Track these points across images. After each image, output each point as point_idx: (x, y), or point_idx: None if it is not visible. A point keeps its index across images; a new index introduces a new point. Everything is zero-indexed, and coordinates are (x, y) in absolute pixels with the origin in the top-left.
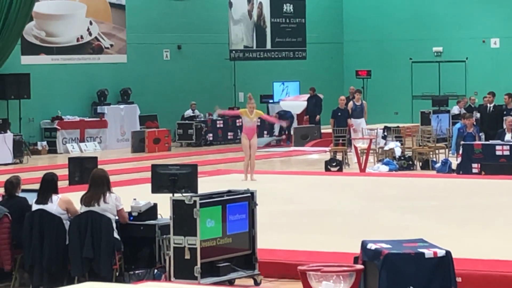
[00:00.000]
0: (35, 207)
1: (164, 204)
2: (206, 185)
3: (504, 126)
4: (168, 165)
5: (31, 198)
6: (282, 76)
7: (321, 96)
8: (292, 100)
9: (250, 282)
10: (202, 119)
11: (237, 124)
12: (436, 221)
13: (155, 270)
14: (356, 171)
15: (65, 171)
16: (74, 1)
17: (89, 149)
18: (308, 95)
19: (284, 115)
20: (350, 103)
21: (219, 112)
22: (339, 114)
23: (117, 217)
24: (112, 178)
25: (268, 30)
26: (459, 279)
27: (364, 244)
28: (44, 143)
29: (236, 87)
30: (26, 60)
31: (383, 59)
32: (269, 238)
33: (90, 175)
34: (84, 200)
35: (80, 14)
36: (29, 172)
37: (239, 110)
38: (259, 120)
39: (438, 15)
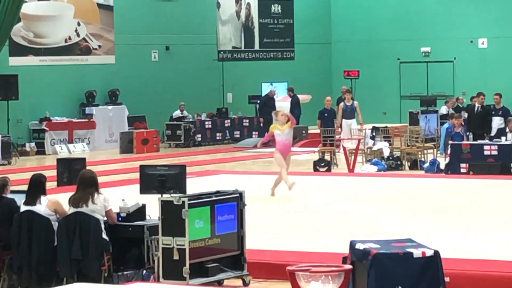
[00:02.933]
0: (23, 208)
1: (152, 205)
2: (194, 185)
3: (493, 126)
4: (156, 166)
5: (20, 199)
6: (270, 77)
7: (305, 96)
8: (281, 101)
9: (239, 282)
10: (191, 119)
11: (226, 125)
12: (424, 221)
13: (144, 271)
14: (344, 171)
15: (53, 172)
16: (62, 2)
17: (77, 150)
18: (287, 96)
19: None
20: (341, 104)
21: (261, 143)
22: (326, 114)
23: (105, 218)
24: (101, 179)
25: (256, 30)
26: (447, 279)
27: (352, 244)
28: (33, 144)
29: (224, 88)
30: (14, 61)
31: (371, 60)
32: (258, 239)
33: (78, 176)
34: (73, 201)
35: (68, 15)
36: (18, 173)
37: (270, 129)
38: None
39: (426, 16)
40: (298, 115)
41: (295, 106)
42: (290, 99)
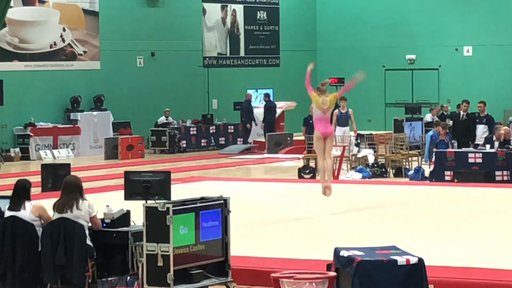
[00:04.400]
0: (7, 213)
1: (137, 211)
2: (179, 192)
3: (477, 134)
4: (141, 172)
5: (4, 205)
6: (256, 83)
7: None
8: (260, 108)
9: None
10: (176, 126)
11: (211, 131)
12: (408, 228)
13: (128, 277)
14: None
15: (38, 178)
16: (47, 7)
17: (62, 155)
18: (264, 103)
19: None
20: (336, 111)
21: (310, 68)
22: (311, 121)
23: (90, 224)
24: (85, 185)
25: (241, 37)
26: (431, 286)
27: (337, 251)
28: (17, 149)
29: (209, 94)
30: None
31: (356, 67)
32: (242, 245)
33: (62, 182)
34: (57, 207)
35: (53, 20)
36: (2, 179)
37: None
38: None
39: (411, 23)
40: (270, 121)
41: (268, 111)
42: (277, 106)
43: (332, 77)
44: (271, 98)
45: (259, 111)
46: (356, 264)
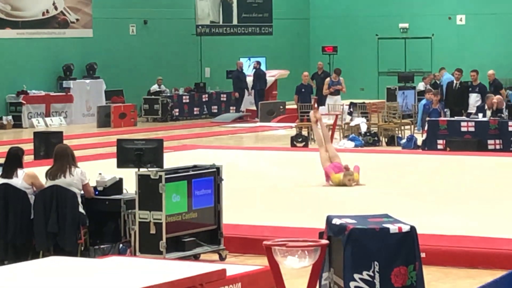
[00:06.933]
0: (0, 181)
1: (129, 179)
2: (171, 160)
3: (470, 102)
4: (133, 140)
5: None
6: (249, 52)
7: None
8: (251, 76)
9: (216, 257)
10: (168, 94)
11: (203, 100)
12: (401, 196)
13: (120, 245)
14: None
15: (30, 146)
16: None
17: (54, 123)
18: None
19: None
20: (327, 79)
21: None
22: (303, 90)
23: (82, 192)
24: (78, 153)
25: (234, 5)
26: (423, 255)
27: (329, 219)
28: (10, 117)
29: (202, 63)
30: None
31: (349, 35)
32: (235, 213)
33: (54, 151)
34: (50, 174)
35: None
36: None
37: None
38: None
39: None
40: (259, 89)
41: (258, 79)
42: (270, 74)
43: (325, 45)
44: (264, 67)
45: (251, 80)
46: (348, 232)
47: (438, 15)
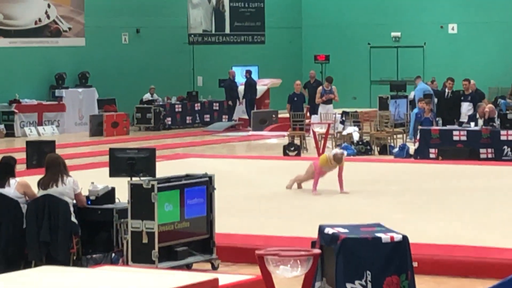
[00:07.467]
0: None
1: (122, 188)
2: (164, 169)
3: (462, 111)
4: (126, 149)
5: None
6: (241, 60)
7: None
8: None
9: (208, 266)
10: (161, 103)
11: (196, 109)
12: (393, 205)
13: (113, 254)
14: (314, 155)
15: (23, 155)
16: None
17: (47, 132)
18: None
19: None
20: (320, 88)
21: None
22: (295, 98)
23: (74, 201)
24: (70, 162)
25: (227, 14)
26: (415, 264)
27: (321, 229)
28: (2, 126)
29: (194, 71)
30: None
31: (341, 44)
32: (227, 223)
33: (45, 160)
34: (42, 184)
35: None
36: None
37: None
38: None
39: (396, 0)
40: (250, 98)
41: (249, 88)
42: (262, 83)
43: (317, 54)
44: (257, 75)
45: (242, 89)
46: (341, 241)
47: (430, 24)
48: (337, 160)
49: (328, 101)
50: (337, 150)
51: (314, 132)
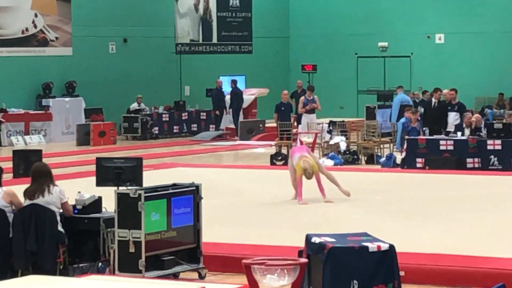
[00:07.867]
0: None
1: (108, 198)
2: (151, 178)
3: (449, 121)
4: (113, 158)
5: None
6: (229, 70)
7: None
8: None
9: (195, 275)
10: (148, 112)
11: (183, 118)
12: (380, 215)
13: (100, 264)
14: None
15: (9, 164)
16: None
17: (33, 142)
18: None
19: None
20: (302, 98)
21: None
22: (283, 108)
23: (61, 210)
24: (57, 171)
25: (214, 24)
26: (402, 273)
27: (308, 238)
28: None
29: (182, 81)
30: None
31: (329, 54)
32: (214, 232)
33: (31, 169)
34: (28, 193)
35: (25, 6)
36: None
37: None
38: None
39: (383, 11)
40: (237, 108)
41: (235, 97)
42: (249, 93)
43: (305, 64)
44: (244, 85)
45: (247, 98)
46: (328, 250)
47: (417, 34)
48: (308, 176)
49: (311, 111)
50: (307, 166)
51: (301, 142)
